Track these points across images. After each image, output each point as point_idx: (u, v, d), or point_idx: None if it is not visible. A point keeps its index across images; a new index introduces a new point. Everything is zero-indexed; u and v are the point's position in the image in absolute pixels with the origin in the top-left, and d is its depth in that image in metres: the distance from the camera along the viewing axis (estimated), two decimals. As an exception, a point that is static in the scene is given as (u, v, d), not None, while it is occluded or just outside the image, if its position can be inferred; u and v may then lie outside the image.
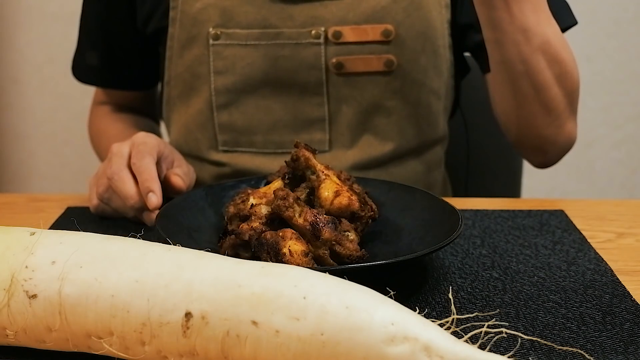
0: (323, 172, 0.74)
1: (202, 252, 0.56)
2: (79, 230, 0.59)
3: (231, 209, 0.74)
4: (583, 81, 1.94)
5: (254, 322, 0.50)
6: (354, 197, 0.72)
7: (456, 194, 1.24)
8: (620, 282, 0.71)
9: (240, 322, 0.51)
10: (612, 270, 0.74)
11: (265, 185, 0.79)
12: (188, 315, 0.51)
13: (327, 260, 0.67)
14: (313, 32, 0.96)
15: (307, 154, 0.74)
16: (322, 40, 0.96)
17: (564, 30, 0.98)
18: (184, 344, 0.52)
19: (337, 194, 0.72)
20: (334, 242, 0.68)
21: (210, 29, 0.97)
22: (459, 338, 0.49)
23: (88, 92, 2.05)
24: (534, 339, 0.61)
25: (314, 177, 0.74)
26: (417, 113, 1.01)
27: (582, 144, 2.01)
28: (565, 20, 1.00)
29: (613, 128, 2.01)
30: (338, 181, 0.74)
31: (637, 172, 2.04)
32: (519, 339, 0.60)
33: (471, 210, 0.90)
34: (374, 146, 1.01)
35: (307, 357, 0.50)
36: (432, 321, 0.50)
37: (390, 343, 0.48)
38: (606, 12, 1.93)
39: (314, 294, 0.50)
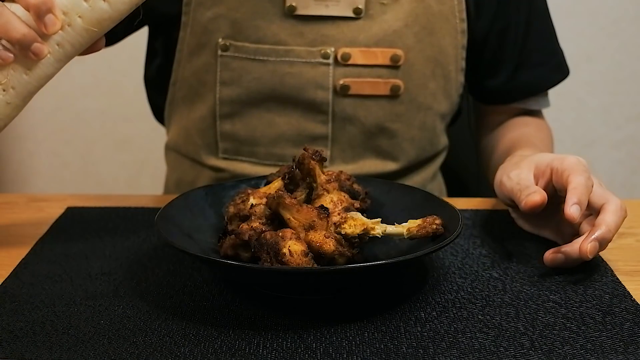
0: (322, 186, 0.73)
1: None
2: (79, 227, 0.59)
3: (231, 209, 0.74)
4: (583, 81, 1.96)
5: None
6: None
7: (465, 195, 1.24)
8: (620, 282, 0.71)
9: None
10: (612, 270, 0.74)
11: (265, 185, 0.79)
12: None
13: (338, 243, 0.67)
14: (322, 51, 0.95)
15: (313, 164, 0.73)
16: (330, 60, 0.95)
17: (561, 80, 1.07)
18: None
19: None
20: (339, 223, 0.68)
21: (220, 40, 0.96)
22: (458, 338, 0.49)
23: (88, 93, 2.05)
24: (534, 339, 0.61)
25: (315, 184, 0.74)
26: (421, 135, 1.01)
27: (582, 144, 2.01)
28: (564, 71, 1.08)
29: (613, 128, 2.01)
30: (334, 199, 0.72)
31: (637, 172, 2.04)
32: (519, 339, 0.60)
33: (471, 210, 0.90)
34: (375, 165, 1.01)
35: None
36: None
37: None
38: (606, 12, 1.93)
39: None
